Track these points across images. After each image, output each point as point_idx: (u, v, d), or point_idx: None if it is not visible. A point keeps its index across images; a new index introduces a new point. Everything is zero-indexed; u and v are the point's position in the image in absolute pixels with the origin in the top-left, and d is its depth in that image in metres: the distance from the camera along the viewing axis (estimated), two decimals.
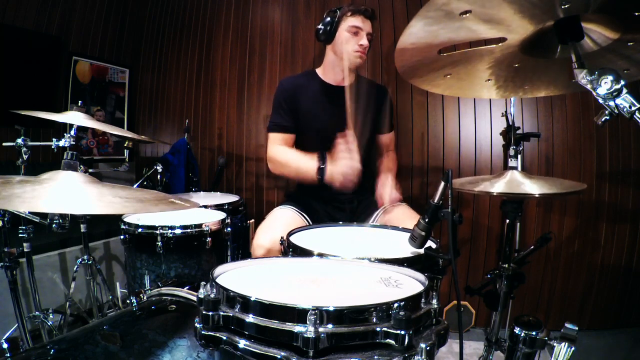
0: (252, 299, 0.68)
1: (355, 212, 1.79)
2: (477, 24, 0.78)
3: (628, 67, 0.93)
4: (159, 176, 2.32)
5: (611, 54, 0.90)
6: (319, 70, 1.88)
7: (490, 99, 2.25)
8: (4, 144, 1.58)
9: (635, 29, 0.79)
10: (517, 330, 1.05)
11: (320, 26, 1.77)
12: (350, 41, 1.71)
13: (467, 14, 0.74)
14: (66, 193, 0.78)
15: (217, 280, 0.77)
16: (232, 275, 0.89)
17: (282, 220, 1.64)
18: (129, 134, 1.69)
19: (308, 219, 1.71)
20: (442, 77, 1.05)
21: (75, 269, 1.79)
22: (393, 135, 1.98)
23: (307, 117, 1.80)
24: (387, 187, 1.65)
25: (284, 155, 1.75)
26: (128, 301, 1.13)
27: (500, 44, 0.89)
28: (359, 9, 1.72)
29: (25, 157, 1.52)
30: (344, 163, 1.48)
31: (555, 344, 0.97)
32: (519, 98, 2.14)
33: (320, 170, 1.56)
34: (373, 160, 2.06)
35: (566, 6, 0.73)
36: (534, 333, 1.03)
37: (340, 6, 1.76)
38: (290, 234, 1.25)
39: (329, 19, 1.75)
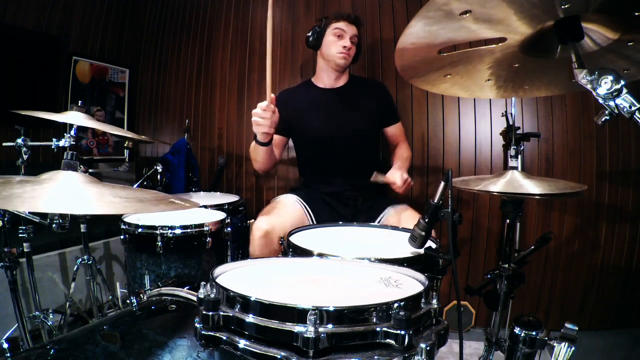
0: (252, 299, 0.68)
1: (359, 209, 1.80)
2: (477, 24, 0.78)
3: (628, 67, 0.93)
4: (159, 176, 2.32)
5: (611, 54, 0.90)
6: (314, 78, 1.96)
7: (490, 99, 2.25)
8: (4, 144, 1.58)
9: (635, 28, 0.79)
10: (517, 330, 1.05)
11: (309, 34, 1.90)
12: (335, 43, 1.82)
13: (467, 14, 0.73)
14: (66, 193, 0.78)
15: (217, 280, 0.77)
16: (232, 275, 0.89)
17: (284, 208, 1.69)
18: (129, 134, 1.69)
19: (310, 210, 1.73)
20: (442, 77, 1.05)
21: (75, 269, 1.79)
22: (400, 125, 2.01)
23: (301, 122, 1.86)
24: (398, 170, 1.64)
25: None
26: (128, 301, 1.13)
27: (500, 44, 0.89)
28: (342, 14, 1.83)
29: (25, 157, 1.52)
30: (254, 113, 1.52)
31: (555, 344, 0.97)
32: (518, 98, 2.15)
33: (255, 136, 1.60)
34: (379, 156, 2.08)
35: (566, 6, 0.73)
36: (534, 333, 1.03)
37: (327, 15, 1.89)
38: (290, 234, 1.25)
39: (316, 27, 1.88)
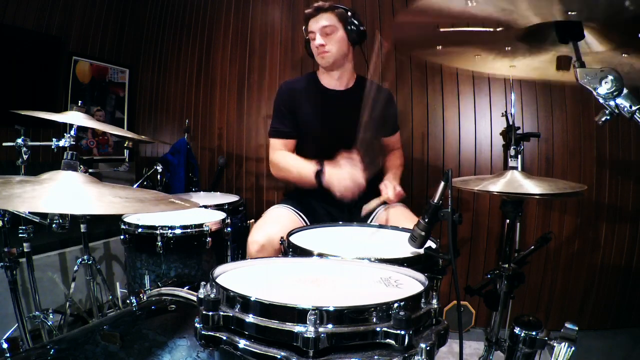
0: (252, 299, 0.68)
1: (354, 210, 1.79)
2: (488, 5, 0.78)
3: (628, 70, 0.93)
4: (159, 176, 2.32)
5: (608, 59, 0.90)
6: (319, 73, 1.87)
7: (490, 100, 2.25)
8: (4, 144, 1.58)
9: (632, 44, 0.80)
10: (517, 330, 1.05)
11: (305, 46, 1.84)
12: (313, 46, 1.74)
13: None
14: (66, 193, 0.78)
15: (217, 280, 0.77)
16: (232, 275, 0.89)
17: (278, 218, 1.65)
18: (129, 134, 1.69)
19: (305, 218, 1.71)
20: (435, 46, 1.05)
21: (75, 269, 1.79)
22: (398, 135, 1.98)
23: (305, 122, 1.80)
24: (391, 182, 1.63)
25: (285, 160, 1.76)
26: (128, 301, 1.13)
27: (499, 29, 0.89)
28: (305, 14, 1.75)
29: (25, 157, 1.52)
30: (348, 173, 1.49)
31: (555, 344, 0.97)
32: (501, 76, 2.11)
33: (318, 174, 1.58)
34: (375, 161, 2.05)
35: (572, 13, 0.73)
36: (534, 333, 1.03)
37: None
38: (290, 234, 1.25)
39: (306, 36, 1.81)
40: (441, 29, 0.92)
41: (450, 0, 0.81)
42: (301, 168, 1.66)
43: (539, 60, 1.05)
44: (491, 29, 0.90)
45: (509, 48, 0.98)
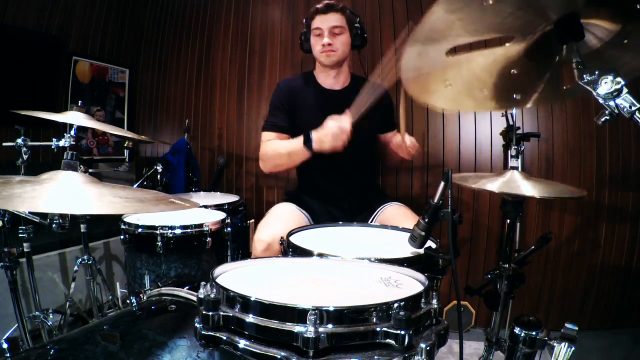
0: (252, 299, 0.68)
1: (354, 210, 1.79)
2: (497, 17, 0.78)
3: (632, 60, 0.92)
4: (159, 176, 2.32)
5: (615, 49, 0.89)
6: (316, 73, 1.88)
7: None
8: (4, 144, 1.58)
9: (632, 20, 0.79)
10: (517, 330, 1.05)
11: (300, 40, 1.84)
12: (317, 43, 1.73)
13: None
14: (66, 193, 0.78)
15: (217, 280, 0.77)
16: (232, 275, 0.89)
17: (282, 216, 1.65)
18: (129, 134, 1.70)
19: (308, 215, 1.71)
20: (442, 87, 1.04)
21: (75, 269, 1.79)
22: (396, 132, 1.96)
23: (303, 120, 1.79)
24: (401, 138, 1.61)
25: (273, 145, 1.75)
26: (128, 301, 1.13)
27: (507, 44, 0.88)
28: (314, 9, 1.73)
29: (25, 157, 1.52)
30: (332, 124, 1.47)
31: (555, 344, 0.97)
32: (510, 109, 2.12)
33: (307, 141, 1.55)
34: (374, 160, 2.05)
35: None
36: (534, 333, 1.03)
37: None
38: (290, 234, 1.25)
39: (303, 29, 1.80)
40: (449, 55, 0.91)
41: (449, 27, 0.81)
42: (289, 145, 1.65)
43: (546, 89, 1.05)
44: (502, 46, 0.89)
45: (515, 71, 0.97)
